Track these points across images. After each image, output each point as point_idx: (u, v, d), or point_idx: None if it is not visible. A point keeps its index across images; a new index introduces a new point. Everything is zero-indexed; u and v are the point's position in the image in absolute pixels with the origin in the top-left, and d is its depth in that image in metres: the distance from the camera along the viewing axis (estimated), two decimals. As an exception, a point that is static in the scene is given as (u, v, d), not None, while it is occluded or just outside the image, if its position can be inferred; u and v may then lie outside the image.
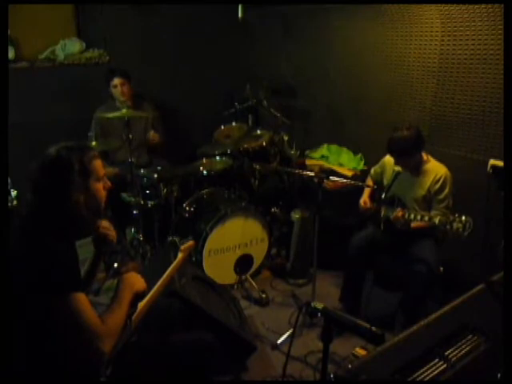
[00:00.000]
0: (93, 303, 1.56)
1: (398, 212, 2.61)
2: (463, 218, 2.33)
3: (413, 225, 2.66)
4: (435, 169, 2.73)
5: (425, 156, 2.78)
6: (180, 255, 2.04)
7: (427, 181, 2.73)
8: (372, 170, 3.14)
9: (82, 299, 1.49)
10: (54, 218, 1.59)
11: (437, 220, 2.43)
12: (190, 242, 2.13)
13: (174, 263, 1.98)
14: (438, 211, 2.66)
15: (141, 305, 1.74)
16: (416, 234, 2.77)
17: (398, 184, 2.81)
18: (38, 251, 1.51)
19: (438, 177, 2.69)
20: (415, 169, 2.77)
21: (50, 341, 1.52)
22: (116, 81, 3.66)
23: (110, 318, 1.54)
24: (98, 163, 1.70)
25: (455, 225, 2.34)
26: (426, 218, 2.49)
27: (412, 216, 2.56)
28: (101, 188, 1.71)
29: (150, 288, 1.82)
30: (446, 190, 2.68)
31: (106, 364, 1.57)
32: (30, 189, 1.60)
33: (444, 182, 2.68)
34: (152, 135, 3.79)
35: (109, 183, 1.75)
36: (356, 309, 2.97)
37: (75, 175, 1.60)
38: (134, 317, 1.69)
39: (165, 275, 1.91)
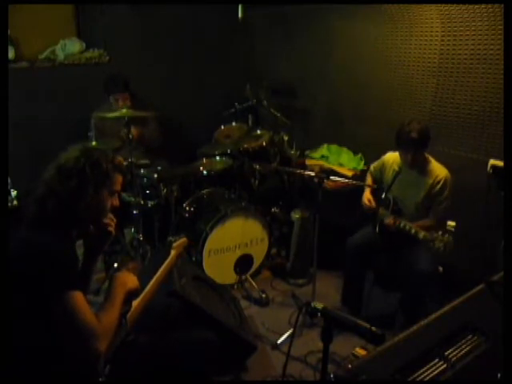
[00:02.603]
0: (92, 303, 1.56)
1: (390, 220, 2.64)
2: (445, 237, 2.39)
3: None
4: (437, 170, 2.72)
5: (427, 155, 2.77)
6: (173, 252, 2.05)
7: (428, 181, 2.72)
8: (371, 167, 3.12)
9: (79, 298, 1.49)
10: (62, 216, 1.58)
11: (421, 235, 2.49)
12: (183, 239, 2.13)
13: (167, 261, 1.99)
14: (435, 213, 2.72)
15: (135, 303, 1.73)
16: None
17: (399, 184, 2.80)
18: (37, 250, 1.51)
19: (438, 178, 2.69)
20: (421, 166, 2.75)
21: (49, 340, 1.51)
22: (117, 95, 3.62)
23: (105, 316, 1.54)
24: (119, 177, 1.71)
25: (437, 243, 2.41)
26: (413, 231, 2.54)
27: (402, 225, 2.60)
28: (109, 202, 1.71)
29: (145, 287, 1.82)
30: (446, 193, 2.68)
31: (104, 363, 1.57)
32: (47, 180, 1.60)
33: (444, 185, 2.68)
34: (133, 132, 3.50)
35: (118, 202, 1.75)
36: (357, 309, 2.96)
37: (98, 177, 1.62)
38: (128, 315, 1.69)
39: (158, 273, 1.91)
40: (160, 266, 1.98)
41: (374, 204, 2.88)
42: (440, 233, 2.41)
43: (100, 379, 1.59)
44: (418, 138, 2.59)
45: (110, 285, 1.67)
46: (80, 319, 1.46)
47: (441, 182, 2.68)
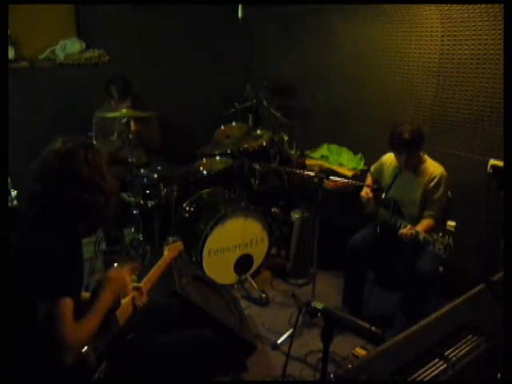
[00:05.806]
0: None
1: (407, 230, 2.54)
2: (446, 239, 2.35)
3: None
4: (431, 168, 2.72)
5: (422, 155, 2.77)
6: (166, 253, 2.04)
7: (423, 180, 2.72)
8: (372, 168, 3.13)
9: (67, 306, 1.47)
10: (70, 217, 1.58)
11: (421, 237, 2.46)
12: (178, 243, 2.13)
13: (160, 261, 1.98)
14: (431, 212, 2.68)
15: (124, 301, 1.73)
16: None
17: (396, 185, 2.79)
18: (38, 251, 1.50)
19: (433, 176, 2.68)
20: (415, 167, 2.75)
21: (36, 342, 1.51)
22: (118, 100, 3.60)
23: (85, 324, 1.52)
24: (102, 159, 1.70)
25: (437, 245, 2.37)
26: (413, 232, 2.50)
27: (414, 233, 2.51)
28: (107, 182, 1.68)
29: None
30: (441, 190, 2.67)
31: (99, 359, 1.57)
32: (33, 186, 1.58)
33: (439, 182, 2.67)
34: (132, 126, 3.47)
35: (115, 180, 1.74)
36: (358, 309, 2.96)
37: (81, 169, 1.60)
38: (118, 312, 1.68)
39: (150, 273, 1.91)
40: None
41: (371, 195, 2.88)
42: (440, 234, 2.39)
43: (95, 376, 1.58)
44: (409, 138, 2.59)
45: (102, 286, 1.66)
46: (58, 327, 1.43)
47: (435, 180, 2.67)
